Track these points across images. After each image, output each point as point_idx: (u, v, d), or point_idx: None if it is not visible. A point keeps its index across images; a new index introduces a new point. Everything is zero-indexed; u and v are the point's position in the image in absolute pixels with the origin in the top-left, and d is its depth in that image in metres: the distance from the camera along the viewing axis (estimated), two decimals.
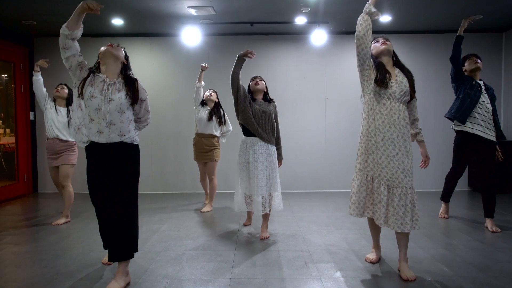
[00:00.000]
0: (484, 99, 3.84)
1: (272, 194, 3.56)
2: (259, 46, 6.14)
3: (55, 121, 4.21)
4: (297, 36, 6.10)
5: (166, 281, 2.57)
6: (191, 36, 5.57)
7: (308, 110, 6.17)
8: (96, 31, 5.97)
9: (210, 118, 4.72)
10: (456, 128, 3.97)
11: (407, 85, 2.65)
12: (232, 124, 4.95)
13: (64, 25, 2.47)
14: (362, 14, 2.62)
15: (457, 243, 3.36)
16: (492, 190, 3.82)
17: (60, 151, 4.22)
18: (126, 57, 2.70)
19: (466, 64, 4.04)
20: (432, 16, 5.35)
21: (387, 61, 2.71)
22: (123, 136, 2.47)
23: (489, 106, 3.82)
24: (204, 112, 4.77)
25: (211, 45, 6.09)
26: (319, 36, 5.65)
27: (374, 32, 4.58)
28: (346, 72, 6.02)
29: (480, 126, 3.79)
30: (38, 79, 4.32)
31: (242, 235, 3.65)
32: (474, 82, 3.91)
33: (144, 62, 6.22)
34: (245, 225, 4.04)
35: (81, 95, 2.46)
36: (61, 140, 4.21)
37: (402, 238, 2.63)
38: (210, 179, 4.86)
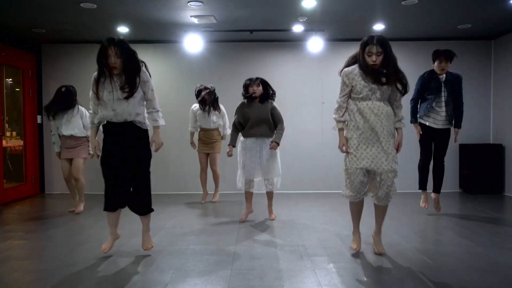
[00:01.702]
0: (441, 96, 4.23)
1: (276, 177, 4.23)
2: (258, 52, 6.40)
3: (71, 121, 4.74)
4: (294, 43, 6.36)
5: (172, 271, 2.80)
6: (193, 43, 5.83)
7: (306, 114, 6.42)
8: (102, 39, 6.16)
9: (207, 112, 5.21)
10: (420, 122, 4.38)
11: (388, 88, 2.99)
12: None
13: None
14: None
15: (443, 238, 3.60)
16: (442, 167, 4.44)
17: (75, 146, 4.75)
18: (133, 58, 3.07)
19: (435, 64, 4.32)
20: (424, 24, 5.61)
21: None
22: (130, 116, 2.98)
23: (444, 99, 4.23)
24: (200, 110, 5.29)
25: (212, 52, 6.34)
26: (315, 43, 5.91)
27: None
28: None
29: (433, 119, 4.27)
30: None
31: (241, 232, 3.89)
32: (432, 84, 4.26)
33: (148, 68, 6.44)
34: (241, 220, 4.29)
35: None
36: (76, 137, 4.74)
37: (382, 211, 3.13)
38: (213, 171, 5.37)
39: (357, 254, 3.14)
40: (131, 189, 3.10)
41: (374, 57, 2.90)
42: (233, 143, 4.26)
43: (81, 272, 2.82)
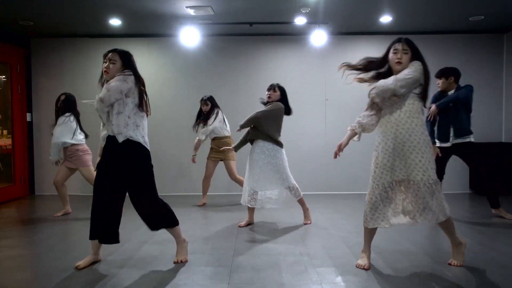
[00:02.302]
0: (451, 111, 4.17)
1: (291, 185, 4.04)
2: (258, 47, 6.10)
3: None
4: (296, 37, 6.05)
5: (162, 287, 2.51)
6: (190, 37, 5.52)
7: (308, 112, 6.12)
8: (94, 32, 5.92)
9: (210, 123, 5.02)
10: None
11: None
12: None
13: None
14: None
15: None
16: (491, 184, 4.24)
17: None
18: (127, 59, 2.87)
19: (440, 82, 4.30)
20: (433, 17, 5.31)
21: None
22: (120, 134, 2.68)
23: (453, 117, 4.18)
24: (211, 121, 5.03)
25: (209, 46, 6.03)
26: (319, 37, 5.60)
27: (374, 33, 4.57)
28: (346, 73, 5.96)
29: (451, 137, 4.20)
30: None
31: (240, 239, 3.59)
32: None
33: (143, 63, 6.12)
34: (240, 226, 4.00)
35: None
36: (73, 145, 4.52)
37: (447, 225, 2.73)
38: (236, 179, 5.07)
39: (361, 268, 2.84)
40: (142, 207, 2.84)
41: (399, 55, 2.64)
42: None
43: (64, 281, 2.53)
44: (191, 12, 4.90)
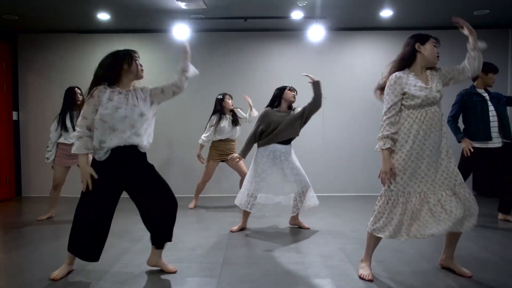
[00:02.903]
0: (490, 110, 3.89)
1: (305, 191, 3.74)
2: (253, 42, 5.87)
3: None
4: (293, 32, 5.82)
5: None
6: (182, 33, 5.28)
7: None
8: (82, 28, 5.69)
9: (234, 126, 4.82)
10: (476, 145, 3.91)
11: (441, 88, 2.49)
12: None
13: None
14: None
15: (464, 253, 3.07)
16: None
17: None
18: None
19: (481, 76, 3.96)
20: (436, 12, 5.08)
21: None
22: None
23: (495, 118, 3.89)
24: (225, 121, 4.75)
25: (203, 42, 5.79)
26: (316, 32, 5.37)
27: (374, 29, 4.39)
28: (345, 70, 5.74)
29: (494, 138, 3.85)
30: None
31: (231, 245, 3.36)
32: (475, 98, 3.91)
33: None
34: (232, 231, 3.77)
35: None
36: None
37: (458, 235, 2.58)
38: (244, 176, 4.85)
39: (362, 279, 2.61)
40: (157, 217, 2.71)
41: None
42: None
43: None
44: (182, 5, 4.67)
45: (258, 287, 2.45)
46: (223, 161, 4.85)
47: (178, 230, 3.89)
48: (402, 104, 2.45)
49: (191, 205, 4.97)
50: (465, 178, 3.89)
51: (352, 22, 5.53)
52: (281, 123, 3.66)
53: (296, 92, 3.88)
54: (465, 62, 2.54)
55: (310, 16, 5.18)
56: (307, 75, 3.72)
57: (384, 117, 2.44)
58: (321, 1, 4.65)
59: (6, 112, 5.77)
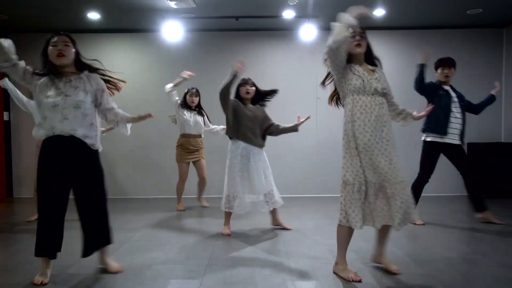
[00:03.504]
0: (454, 108, 3.89)
1: (272, 191, 3.70)
2: (245, 42, 5.83)
3: None
4: (285, 32, 5.78)
5: None
6: (173, 32, 5.25)
7: (298, 110, 5.73)
8: (72, 27, 5.63)
9: (197, 120, 4.77)
10: (428, 139, 3.94)
11: (386, 80, 2.56)
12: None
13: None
14: (340, 24, 2.37)
15: (455, 256, 3.03)
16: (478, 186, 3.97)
17: None
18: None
19: (438, 71, 3.99)
20: (428, 11, 5.05)
21: (360, 59, 2.56)
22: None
23: (458, 115, 3.90)
24: (189, 114, 4.73)
25: (194, 42, 5.76)
26: (308, 32, 5.34)
27: (366, 28, 4.31)
28: None
29: (450, 134, 3.86)
30: None
31: (218, 247, 3.32)
32: (441, 92, 3.90)
33: (124, 60, 5.90)
34: (224, 235, 3.70)
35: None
36: None
37: (387, 233, 2.62)
38: (203, 179, 4.94)
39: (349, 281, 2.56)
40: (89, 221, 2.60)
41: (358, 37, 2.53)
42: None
43: None
44: (172, 4, 4.63)
45: None
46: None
47: (165, 231, 3.87)
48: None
49: (179, 207, 4.91)
50: (430, 172, 3.97)
51: None
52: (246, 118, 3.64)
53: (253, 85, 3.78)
54: (399, 108, 2.69)
55: (302, 15, 5.14)
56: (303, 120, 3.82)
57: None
58: (312, 0, 4.61)
59: None
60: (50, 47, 2.50)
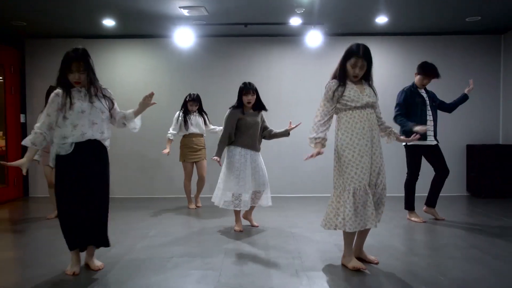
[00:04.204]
0: (428, 110, 4.11)
1: (266, 192, 3.92)
2: (253, 47, 6.06)
3: None
4: (292, 38, 6.01)
5: None
6: (184, 38, 5.48)
7: (303, 113, 6.02)
8: (87, 33, 5.88)
9: (197, 120, 5.05)
10: (409, 144, 4.09)
11: (375, 97, 2.86)
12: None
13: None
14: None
15: (456, 253, 3.25)
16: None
17: None
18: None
19: (418, 77, 4.18)
20: (429, 17, 5.27)
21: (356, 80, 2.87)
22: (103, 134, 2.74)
23: (431, 117, 4.12)
24: (189, 116, 5.01)
25: (204, 47, 5.99)
26: (314, 38, 5.56)
27: (369, 34, 4.63)
28: None
29: (428, 136, 4.10)
30: None
31: (231, 241, 3.54)
32: (417, 99, 4.13)
33: (136, 64, 6.13)
34: (236, 231, 3.92)
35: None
36: None
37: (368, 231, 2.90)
38: (202, 178, 5.11)
39: (357, 270, 2.78)
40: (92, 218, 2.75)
41: (357, 70, 2.78)
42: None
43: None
44: (185, 12, 4.85)
45: (257, 279, 2.62)
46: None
47: (179, 227, 4.10)
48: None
49: (191, 205, 5.14)
50: (417, 171, 4.22)
51: (349, 28, 5.71)
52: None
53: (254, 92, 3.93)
54: (384, 124, 2.98)
55: (308, 22, 5.37)
56: (294, 126, 4.05)
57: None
58: (318, 8, 4.83)
59: (14, 115, 5.96)
60: (69, 74, 2.66)
